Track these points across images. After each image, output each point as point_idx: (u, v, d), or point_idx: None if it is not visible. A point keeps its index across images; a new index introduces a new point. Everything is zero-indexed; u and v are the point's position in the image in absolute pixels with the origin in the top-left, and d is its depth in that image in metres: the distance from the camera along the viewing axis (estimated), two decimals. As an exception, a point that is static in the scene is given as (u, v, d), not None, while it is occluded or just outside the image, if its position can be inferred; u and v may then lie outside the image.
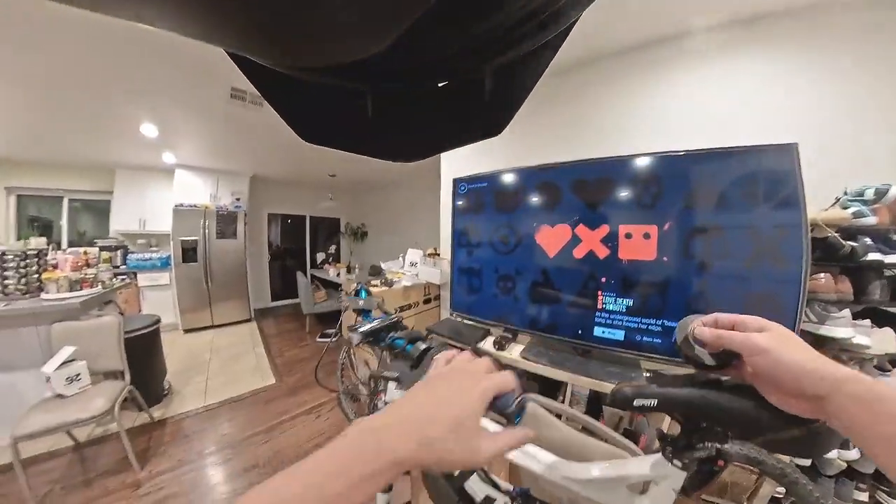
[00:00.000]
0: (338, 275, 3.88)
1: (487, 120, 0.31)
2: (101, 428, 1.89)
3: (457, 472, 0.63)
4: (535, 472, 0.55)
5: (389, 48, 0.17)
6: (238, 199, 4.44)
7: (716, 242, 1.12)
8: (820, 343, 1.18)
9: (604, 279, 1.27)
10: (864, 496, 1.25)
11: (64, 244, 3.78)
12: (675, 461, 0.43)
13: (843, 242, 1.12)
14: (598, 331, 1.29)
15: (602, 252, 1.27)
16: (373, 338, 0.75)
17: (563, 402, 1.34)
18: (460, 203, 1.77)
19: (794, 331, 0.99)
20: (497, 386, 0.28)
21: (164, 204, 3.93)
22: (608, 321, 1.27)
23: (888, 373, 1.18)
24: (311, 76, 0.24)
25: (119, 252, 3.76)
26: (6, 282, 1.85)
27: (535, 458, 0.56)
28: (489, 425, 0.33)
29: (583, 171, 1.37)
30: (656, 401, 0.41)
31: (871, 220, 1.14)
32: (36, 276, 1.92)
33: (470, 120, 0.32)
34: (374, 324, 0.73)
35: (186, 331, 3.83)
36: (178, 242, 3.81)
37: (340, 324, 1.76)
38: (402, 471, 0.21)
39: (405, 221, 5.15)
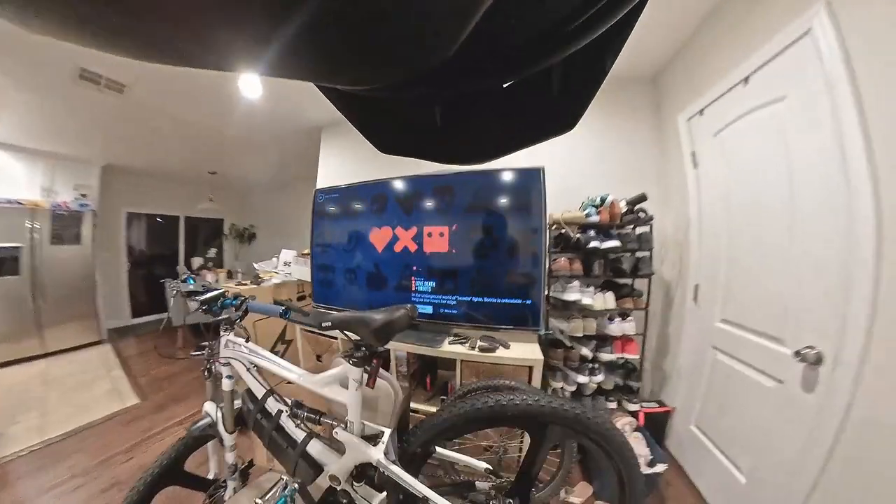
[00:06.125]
0: (216, 280, 3.72)
1: (557, 115, 0.29)
2: None
3: (259, 395, 0.98)
4: (294, 381, 0.90)
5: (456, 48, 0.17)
6: (84, 196, 3.87)
7: (488, 238, 1.68)
8: (566, 304, 1.79)
9: (415, 268, 1.78)
10: (613, 405, 1.91)
11: None
12: (352, 363, 0.81)
13: (573, 234, 1.74)
14: (417, 308, 1.75)
15: (413, 247, 1.78)
16: (207, 306, 1.07)
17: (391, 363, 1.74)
18: (319, 209, 2.15)
19: (543, 297, 1.53)
20: None
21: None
22: (421, 299, 1.77)
23: (612, 320, 1.84)
24: (383, 93, 0.24)
25: None
26: None
27: (291, 372, 0.92)
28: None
29: (400, 184, 1.85)
30: (331, 322, 0.78)
31: (595, 218, 1.80)
32: None
33: (539, 117, 0.31)
34: (208, 295, 1.03)
35: (0, 365, 3.16)
36: (-13, 251, 3.19)
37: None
38: None
39: (298, 223, 5.15)
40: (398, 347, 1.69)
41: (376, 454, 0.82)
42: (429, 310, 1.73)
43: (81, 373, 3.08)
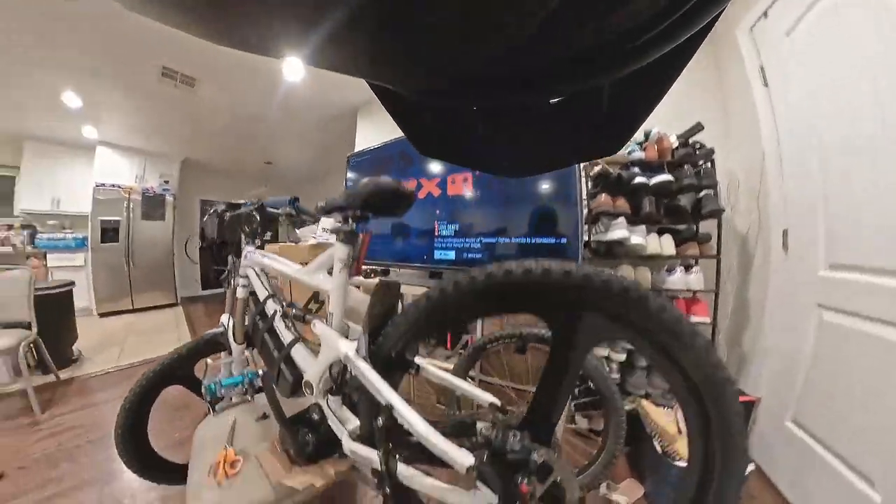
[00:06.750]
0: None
1: (603, 137, 0.28)
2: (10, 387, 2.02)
3: (262, 298, 0.96)
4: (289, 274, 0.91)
5: (503, 57, 0.16)
6: (167, 182, 4.51)
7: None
8: (610, 249, 1.53)
9: (438, 212, 1.68)
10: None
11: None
12: (339, 240, 0.74)
13: (611, 171, 1.49)
14: (437, 254, 1.68)
15: (437, 192, 1.70)
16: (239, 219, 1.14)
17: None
18: (352, 174, 2.25)
19: (581, 239, 1.29)
20: None
21: (81, 183, 3.98)
22: (444, 244, 1.66)
23: (672, 272, 1.53)
24: (430, 98, 0.24)
25: (26, 232, 3.71)
26: None
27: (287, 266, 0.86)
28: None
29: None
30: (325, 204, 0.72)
31: (638, 154, 1.52)
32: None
33: (583, 137, 0.30)
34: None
35: (102, 314, 3.90)
36: (97, 223, 3.88)
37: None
38: None
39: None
40: (413, 293, 1.58)
41: (346, 348, 0.71)
42: (451, 255, 1.62)
43: (156, 325, 3.63)
